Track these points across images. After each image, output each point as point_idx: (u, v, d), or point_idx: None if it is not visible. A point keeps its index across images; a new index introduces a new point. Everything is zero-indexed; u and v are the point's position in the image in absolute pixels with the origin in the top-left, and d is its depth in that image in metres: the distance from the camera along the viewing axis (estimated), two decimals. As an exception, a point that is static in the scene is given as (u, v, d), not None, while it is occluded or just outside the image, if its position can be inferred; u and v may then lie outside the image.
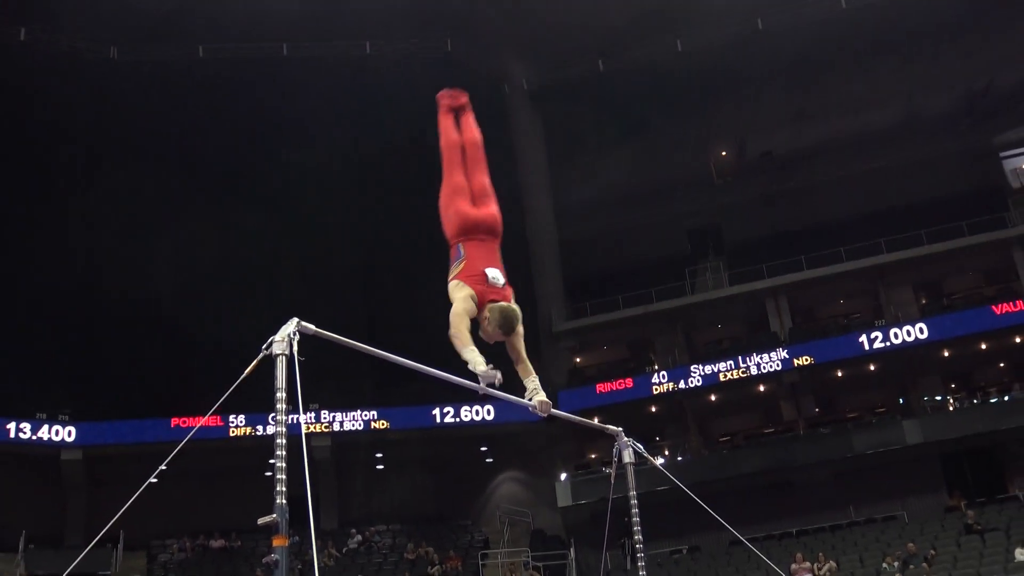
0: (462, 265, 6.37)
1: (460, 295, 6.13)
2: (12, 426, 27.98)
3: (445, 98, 7.33)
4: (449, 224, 6.67)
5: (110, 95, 30.84)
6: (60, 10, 29.36)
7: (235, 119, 31.82)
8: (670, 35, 32.10)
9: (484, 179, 6.95)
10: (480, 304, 6.12)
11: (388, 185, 32.71)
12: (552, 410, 6.62)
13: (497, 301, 6.18)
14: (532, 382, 6.25)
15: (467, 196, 6.77)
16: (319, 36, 31.02)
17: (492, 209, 6.83)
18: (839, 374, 30.10)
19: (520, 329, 6.20)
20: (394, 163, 32.53)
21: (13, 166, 30.21)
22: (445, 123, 7.17)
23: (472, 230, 6.60)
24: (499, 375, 5.80)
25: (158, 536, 28.66)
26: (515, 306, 6.20)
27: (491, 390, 5.97)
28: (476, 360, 5.81)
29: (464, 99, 7.32)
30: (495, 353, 6.06)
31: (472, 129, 7.14)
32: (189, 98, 31.60)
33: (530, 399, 6.17)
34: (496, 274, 6.40)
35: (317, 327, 5.15)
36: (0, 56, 29.22)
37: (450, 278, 6.37)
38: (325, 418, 29.07)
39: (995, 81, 34.02)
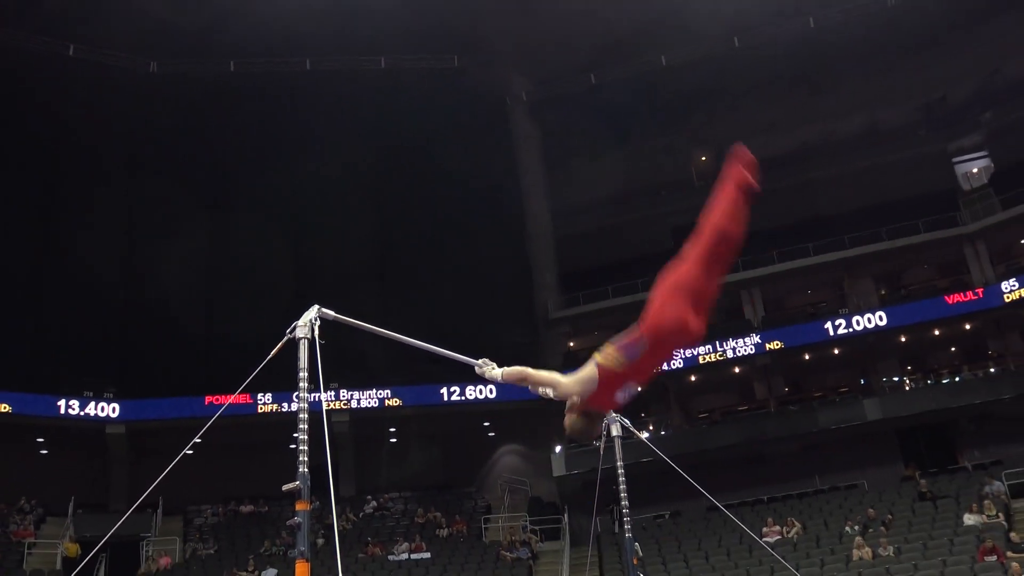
0: (625, 363, 4.80)
1: (589, 375, 4.86)
2: (62, 403, 28.01)
3: (750, 179, 4.96)
4: (662, 317, 4.78)
5: (150, 106, 30.82)
6: (105, 28, 29.30)
7: (262, 127, 31.85)
8: (655, 52, 32.10)
9: (718, 286, 5.06)
10: (589, 399, 4.94)
11: (400, 187, 32.71)
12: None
13: (599, 412, 5.18)
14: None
15: (698, 302, 4.79)
16: (338, 52, 30.98)
17: (703, 328, 4.83)
18: (806, 357, 30.12)
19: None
20: (405, 167, 32.55)
21: (64, 168, 30.24)
22: (737, 207, 4.88)
23: (672, 342, 4.94)
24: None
25: (193, 502, 28.71)
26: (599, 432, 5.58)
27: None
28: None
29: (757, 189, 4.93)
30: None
31: (743, 226, 4.89)
32: (221, 108, 31.58)
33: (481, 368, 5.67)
34: (629, 394, 5.04)
35: (336, 313, 5.15)
36: (51, 70, 29.23)
37: (604, 352, 4.86)
38: (344, 396, 29.11)
39: (948, 94, 34.05)
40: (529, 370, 5.24)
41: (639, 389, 5.19)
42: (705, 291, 4.86)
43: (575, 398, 4.95)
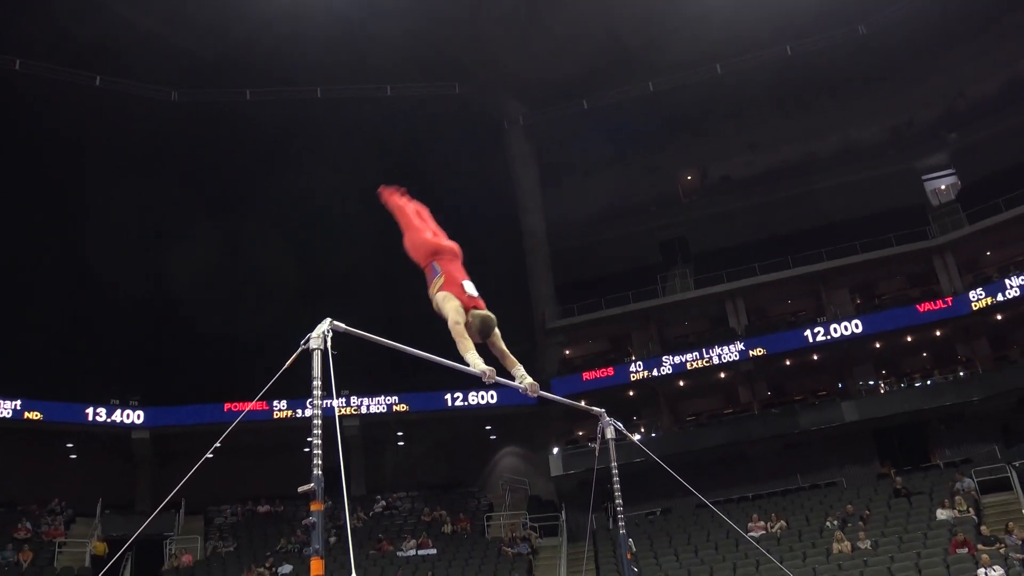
0: (442, 279, 6.40)
1: (451, 306, 6.17)
2: (90, 411, 28.01)
3: (394, 193, 7.94)
4: (419, 251, 6.82)
5: (173, 131, 30.88)
6: (131, 59, 29.39)
7: (276, 149, 31.93)
8: (643, 78, 32.17)
9: (434, 226, 7.23)
10: (466, 311, 6.16)
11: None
12: (545, 394, 6.70)
13: (477, 308, 6.21)
14: (518, 370, 6.32)
15: (427, 232, 7.04)
16: (347, 80, 31.06)
17: (450, 240, 6.92)
18: (787, 363, 30.09)
19: (497, 331, 6.31)
20: (409, 185, 32.52)
21: (92, 189, 30.24)
22: (399, 200, 7.80)
23: (439, 252, 6.67)
24: (494, 373, 5.89)
25: (214, 502, 28.65)
26: (491, 313, 6.26)
27: (503, 380, 6.03)
28: (475, 362, 5.91)
29: (403, 191, 7.86)
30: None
31: (415, 203, 7.75)
32: (238, 133, 31.65)
33: (520, 383, 6.22)
34: (471, 286, 6.40)
35: (347, 326, 5.15)
36: (79, 99, 29.29)
37: (434, 290, 6.42)
38: (354, 402, 29.11)
39: (916, 117, 34.19)
40: (459, 340, 6.10)
41: (466, 280, 6.43)
42: (417, 221, 7.26)
43: (469, 329, 6.10)
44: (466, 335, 6.02)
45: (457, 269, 6.53)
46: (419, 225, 7.12)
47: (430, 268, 6.59)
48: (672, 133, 34.17)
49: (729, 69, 31.45)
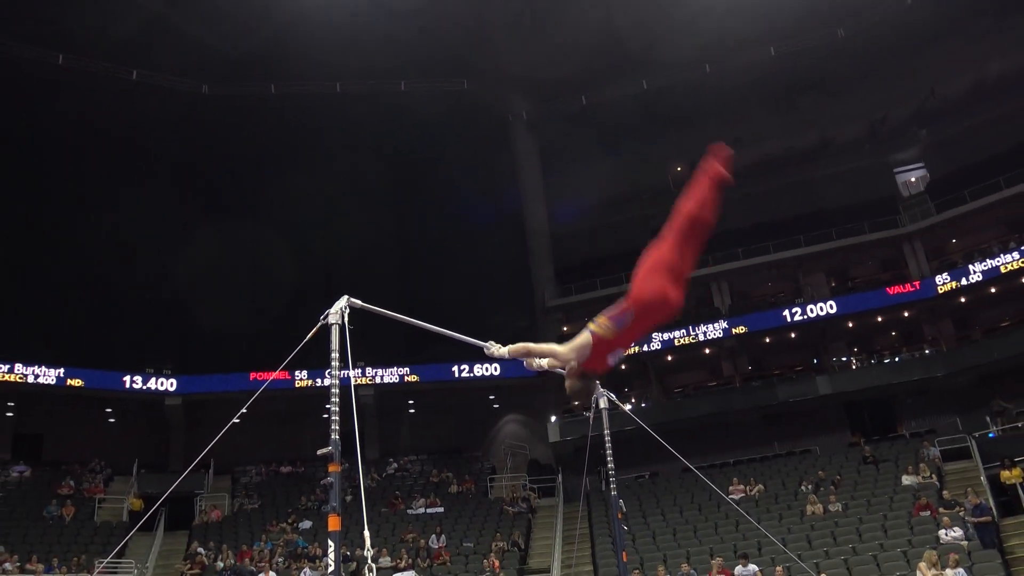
0: (615, 331, 4.77)
1: (584, 342, 4.80)
2: (127, 379, 28.15)
3: (722, 172, 5.17)
4: (644, 289, 4.78)
5: (203, 124, 30.83)
6: (164, 53, 29.30)
7: (299, 139, 31.86)
8: (638, 77, 32.03)
9: (692, 263, 5.07)
10: (585, 363, 4.87)
11: (415, 192, 32.73)
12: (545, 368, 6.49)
13: (594, 374, 5.03)
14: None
15: (675, 277, 4.87)
16: (364, 77, 30.94)
17: (681, 299, 4.84)
18: (767, 340, 30.10)
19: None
20: (421, 174, 32.53)
21: (130, 179, 30.21)
22: (708, 195, 5.10)
23: (655, 312, 4.87)
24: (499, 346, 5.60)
25: (240, 463, 28.79)
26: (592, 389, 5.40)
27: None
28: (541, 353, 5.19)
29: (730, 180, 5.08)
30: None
31: (713, 212, 5.04)
32: (265, 123, 31.60)
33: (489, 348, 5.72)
34: (619, 357, 5.02)
35: (363, 302, 5.16)
36: (116, 93, 29.21)
37: (597, 322, 4.83)
38: (369, 373, 29.18)
39: (890, 114, 34.01)
40: (531, 344, 5.28)
41: (626, 353, 5.10)
42: (681, 267, 4.88)
43: (573, 363, 4.87)
44: (550, 351, 5.06)
45: (639, 334, 4.98)
46: (678, 260, 4.91)
47: (624, 310, 4.81)
48: (663, 128, 34.02)
49: (717, 69, 31.29)
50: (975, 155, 29.93)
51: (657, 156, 35.37)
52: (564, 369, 5.09)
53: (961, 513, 17.77)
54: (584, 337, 4.80)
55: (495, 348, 5.56)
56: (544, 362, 5.30)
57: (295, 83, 30.84)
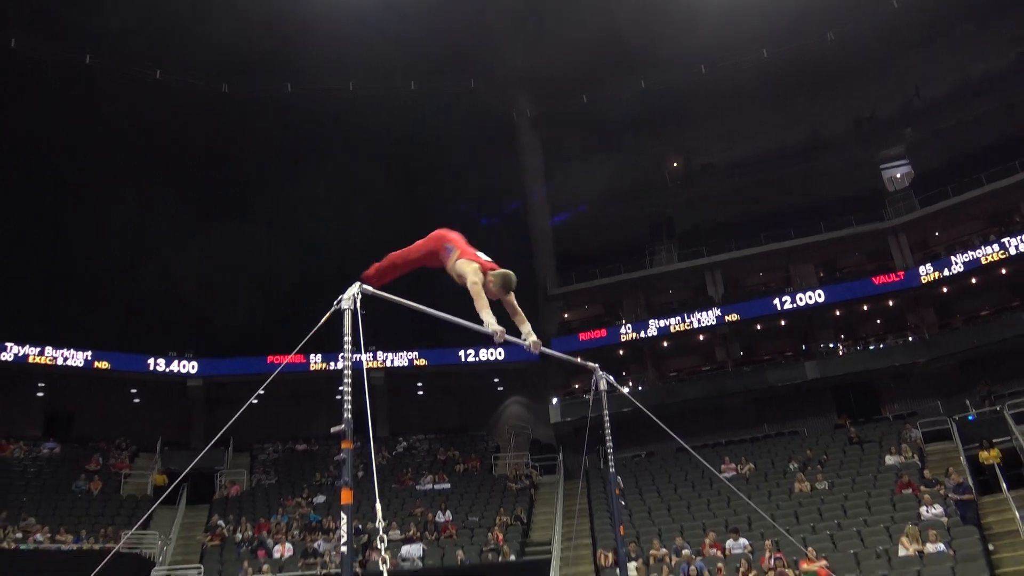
0: (458, 251, 6.16)
1: (471, 267, 5.96)
2: (151, 361, 28.22)
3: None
4: (432, 243, 6.42)
5: (223, 121, 30.80)
6: (186, 53, 29.26)
7: (314, 135, 31.81)
8: (636, 77, 31.94)
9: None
10: (483, 272, 5.99)
11: (425, 186, 32.68)
12: (545, 351, 6.66)
13: (493, 270, 6.04)
14: (525, 328, 6.17)
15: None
16: (376, 76, 30.85)
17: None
18: (758, 327, 30.11)
19: (513, 289, 6.16)
20: (431, 169, 32.48)
21: (151, 172, 30.20)
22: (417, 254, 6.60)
23: (448, 237, 6.38)
24: (504, 333, 5.74)
25: (258, 441, 28.86)
26: (510, 271, 6.10)
27: (511, 338, 5.98)
28: (489, 321, 5.72)
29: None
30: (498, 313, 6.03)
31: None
32: (281, 121, 31.56)
33: (525, 340, 6.09)
34: (483, 255, 6.22)
35: (373, 289, 5.15)
36: (140, 91, 29.18)
37: (452, 262, 6.15)
38: (380, 356, 29.21)
39: (876, 112, 33.89)
40: (477, 298, 5.89)
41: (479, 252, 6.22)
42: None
43: (491, 286, 5.98)
44: (483, 294, 5.84)
45: (468, 245, 6.29)
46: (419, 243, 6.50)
47: (443, 250, 6.28)
48: (661, 125, 33.96)
49: (712, 69, 31.19)
50: (958, 152, 29.85)
51: (654, 152, 35.32)
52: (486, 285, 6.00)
53: (941, 492, 17.77)
54: (465, 265, 6.05)
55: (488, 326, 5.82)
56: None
57: (310, 82, 30.75)
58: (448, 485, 24.80)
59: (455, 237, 6.34)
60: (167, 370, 28.46)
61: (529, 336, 6.10)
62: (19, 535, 19.68)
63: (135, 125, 29.60)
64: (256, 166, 32.15)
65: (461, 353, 29.84)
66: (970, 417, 23.25)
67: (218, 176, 31.97)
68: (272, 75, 30.42)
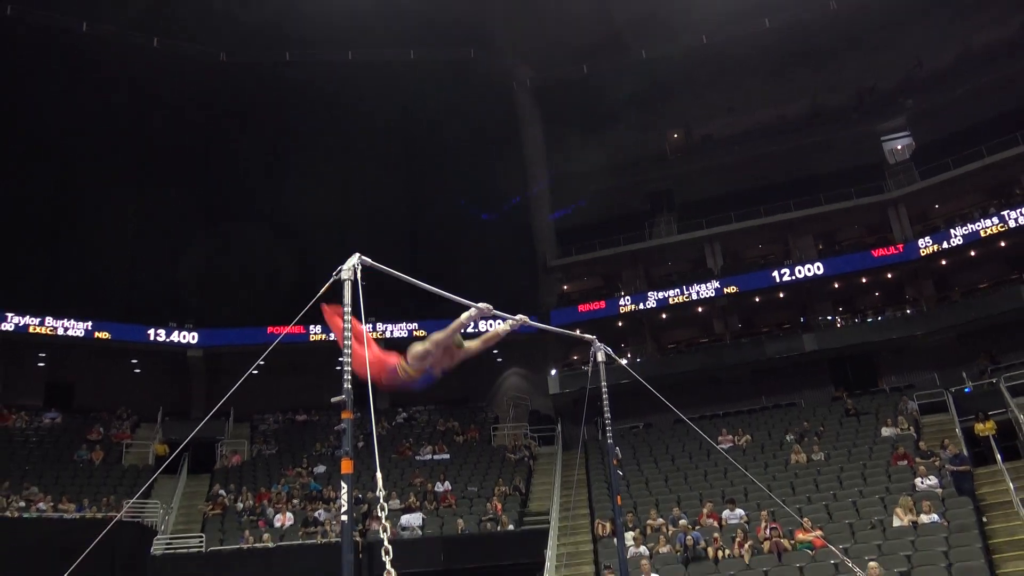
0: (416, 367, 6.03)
1: (413, 350, 5.92)
2: (151, 331, 28.27)
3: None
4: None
5: (223, 90, 30.60)
6: (183, 21, 29.01)
7: (314, 106, 31.62)
8: (637, 46, 31.73)
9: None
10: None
11: (425, 156, 32.52)
12: (541, 325, 6.65)
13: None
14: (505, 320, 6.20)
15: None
16: (374, 45, 30.63)
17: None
18: (757, 299, 30.13)
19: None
20: (430, 141, 32.30)
21: (163, 145, 30.04)
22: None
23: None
24: (491, 308, 5.87)
25: (258, 411, 28.96)
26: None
27: (499, 313, 6.03)
28: (468, 313, 5.91)
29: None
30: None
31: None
32: (282, 91, 31.36)
33: (512, 320, 6.32)
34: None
35: (373, 261, 5.16)
36: (137, 59, 28.95)
37: (411, 350, 6.00)
38: (380, 327, 29.21)
39: (877, 84, 33.68)
40: (432, 339, 5.95)
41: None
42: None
43: (422, 352, 5.94)
44: (433, 339, 5.89)
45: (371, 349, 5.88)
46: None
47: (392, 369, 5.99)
48: (661, 97, 33.72)
49: (712, 40, 30.96)
50: (959, 124, 29.69)
51: (654, 124, 35.11)
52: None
53: (937, 463, 17.90)
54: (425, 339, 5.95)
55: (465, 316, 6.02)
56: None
57: (309, 51, 30.52)
58: (447, 455, 24.94)
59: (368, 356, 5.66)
60: (167, 340, 28.51)
61: (512, 317, 6.19)
62: (22, 504, 19.84)
63: (133, 95, 29.40)
64: (258, 138, 31.96)
65: (460, 324, 29.83)
66: (966, 390, 23.35)
67: (218, 148, 31.79)
68: (271, 44, 30.20)
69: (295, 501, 21.27)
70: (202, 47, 29.97)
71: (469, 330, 6.05)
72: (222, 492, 22.00)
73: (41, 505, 19.91)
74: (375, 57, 31.09)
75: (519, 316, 6.21)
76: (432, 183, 32.35)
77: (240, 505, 21.21)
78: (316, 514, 19.89)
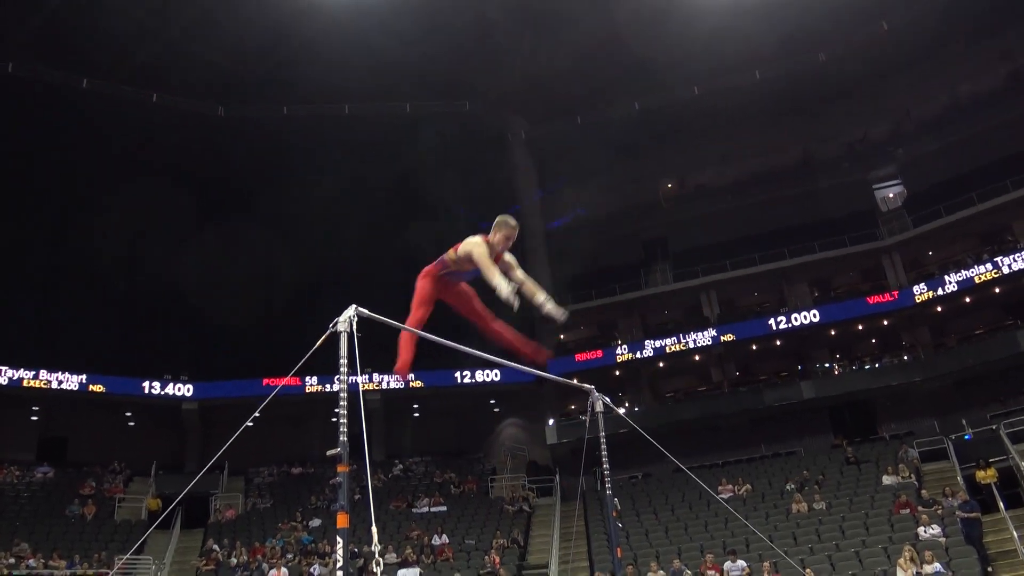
0: (449, 253, 6.13)
1: (474, 240, 5.87)
2: (146, 384, 28.15)
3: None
4: (426, 282, 6.40)
5: (218, 142, 30.85)
6: (182, 77, 29.33)
7: (309, 157, 31.86)
8: (630, 98, 32.10)
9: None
10: (484, 241, 5.89)
11: (419, 205, 32.67)
12: (542, 373, 6.62)
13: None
14: (541, 295, 5.77)
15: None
16: (371, 98, 30.96)
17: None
18: (753, 347, 30.10)
19: (515, 262, 6.05)
20: (428, 190, 32.47)
21: (159, 196, 30.20)
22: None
23: (433, 267, 6.40)
24: (514, 292, 5.62)
25: (253, 464, 28.71)
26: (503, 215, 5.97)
27: (497, 359, 5.98)
28: (502, 284, 5.52)
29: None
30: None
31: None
32: (280, 145, 31.62)
33: (544, 308, 5.80)
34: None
35: (370, 312, 5.14)
36: (138, 115, 29.25)
37: (451, 254, 6.09)
38: (376, 379, 29.12)
39: (868, 133, 34.06)
40: (488, 265, 5.78)
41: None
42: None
43: (496, 238, 5.90)
44: (491, 264, 5.71)
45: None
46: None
47: (438, 270, 6.25)
48: (654, 146, 34.04)
49: (705, 91, 31.35)
50: (950, 172, 29.99)
51: (648, 173, 35.38)
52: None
53: (939, 511, 17.72)
54: (467, 245, 5.92)
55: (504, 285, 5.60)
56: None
57: (305, 104, 30.85)
58: (444, 508, 24.68)
59: (434, 264, 6.25)
60: (162, 393, 28.36)
61: (548, 302, 5.75)
62: (11, 560, 19.51)
63: (131, 149, 29.65)
64: (252, 188, 32.13)
65: (457, 375, 29.79)
66: (966, 436, 23.22)
67: (214, 199, 31.95)
68: (268, 97, 30.52)
69: (289, 556, 20.95)
70: (200, 102, 30.28)
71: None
72: (216, 547, 21.68)
73: (31, 562, 19.58)
74: (370, 111, 31.42)
75: (551, 305, 5.76)
76: (428, 234, 32.45)
77: (234, 560, 20.88)
78: (311, 569, 19.57)
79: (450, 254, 6.01)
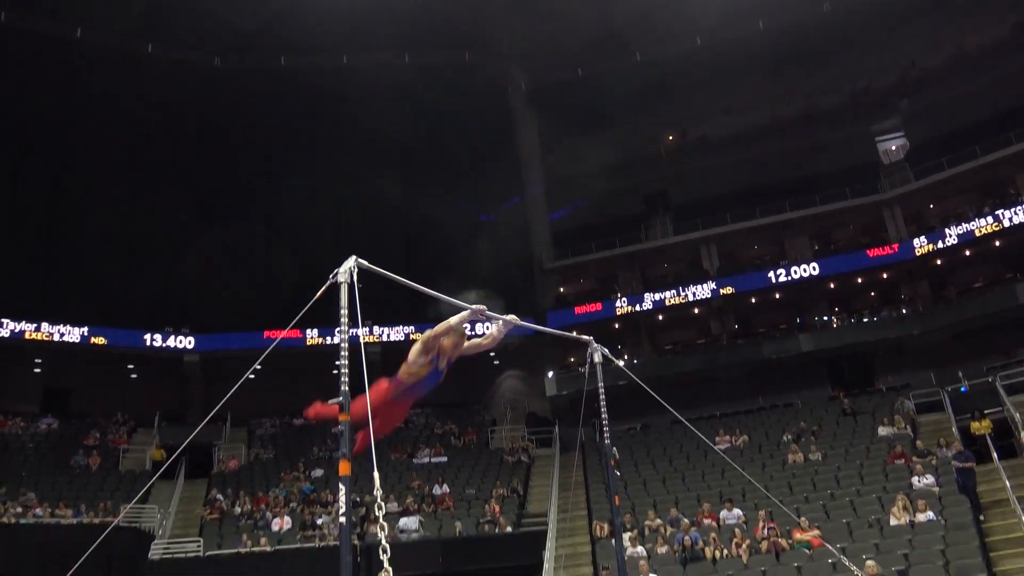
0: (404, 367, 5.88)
1: (415, 349, 5.75)
2: (148, 337, 28.27)
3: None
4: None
5: (217, 96, 30.56)
6: (177, 28, 28.98)
7: (309, 111, 31.60)
8: (631, 49, 31.75)
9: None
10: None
11: (422, 158, 32.49)
12: (538, 327, 6.60)
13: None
14: (495, 323, 6.02)
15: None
16: (369, 49, 30.61)
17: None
18: (753, 300, 30.18)
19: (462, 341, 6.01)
20: (427, 142, 32.27)
21: (159, 150, 30.00)
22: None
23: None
24: (484, 308, 5.79)
25: (255, 416, 28.90)
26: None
27: (492, 315, 6.01)
28: (460, 315, 5.73)
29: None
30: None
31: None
32: (277, 96, 31.33)
33: (503, 321, 6.21)
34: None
35: (370, 264, 5.14)
36: (133, 67, 28.92)
37: (402, 369, 5.88)
38: (376, 331, 29.21)
39: (872, 84, 33.75)
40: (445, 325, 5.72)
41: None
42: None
43: (446, 339, 5.83)
44: (433, 332, 5.70)
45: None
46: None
47: (395, 383, 5.90)
48: (656, 98, 33.70)
49: (707, 42, 31.01)
50: (953, 124, 29.79)
51: (649, 126, 35.14)
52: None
53: (933, 462, 17.91)
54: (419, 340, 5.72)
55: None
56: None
57: (303, 56, 30.50)
58: (445, 458, 24.91)
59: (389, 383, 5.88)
60: (164, 345, 28.48)
61: (502, 319, 6.06)
62: (19, 510, 19.78)
63: (129, 101, 29.36)
64: (253, 143, 31.92)
65: (456, 327, 29.79)
66: (962, 389, 23.39)
67: (214, 153, 31.76)
68: (265, 49, 30.18)
69: (293, 505, 21.24)
70: (196, 53, 29.92)
71: (467, 332, 5.96)
72: (219, 496, 21.97)
73: (38, 511, 19.86)
74: (369, 62, 31.07)
75: (509, 316, 6.14)
76: (428, 185, 32.35)
77: (238, 509, 21.18)
78: (314, 518, 19.86)
79: (403, 370, 5.79)
